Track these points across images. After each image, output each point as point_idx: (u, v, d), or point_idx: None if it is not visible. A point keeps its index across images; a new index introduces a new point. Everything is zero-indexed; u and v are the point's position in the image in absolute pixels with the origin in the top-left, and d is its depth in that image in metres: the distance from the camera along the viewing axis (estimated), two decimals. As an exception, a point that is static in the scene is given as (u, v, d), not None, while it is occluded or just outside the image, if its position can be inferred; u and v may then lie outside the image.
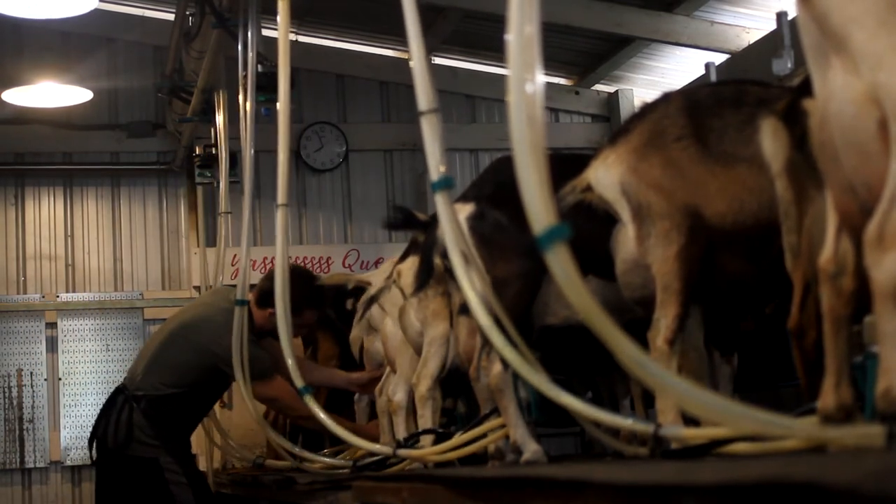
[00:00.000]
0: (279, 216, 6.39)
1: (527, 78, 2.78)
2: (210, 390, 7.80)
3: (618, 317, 2.76)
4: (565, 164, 4.67)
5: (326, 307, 8.56)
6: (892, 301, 2.41)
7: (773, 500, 1.93)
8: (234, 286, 7.56)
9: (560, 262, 2.66)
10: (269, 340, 7.36)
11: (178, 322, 7.93)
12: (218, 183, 9.35)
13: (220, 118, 9.09)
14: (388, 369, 6.87)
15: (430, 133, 3.95)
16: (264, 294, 7.29)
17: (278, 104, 6.44)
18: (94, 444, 7.63)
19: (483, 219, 5.09)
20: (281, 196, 6.38)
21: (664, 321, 4.28)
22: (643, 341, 4.14)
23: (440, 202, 3.86)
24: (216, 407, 8.51)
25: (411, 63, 4.03)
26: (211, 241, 10.15)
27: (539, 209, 2.72)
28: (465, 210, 5.08)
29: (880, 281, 2.43)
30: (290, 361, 6.29)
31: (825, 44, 2.64)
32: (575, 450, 6.83)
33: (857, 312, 2.86)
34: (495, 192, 5.08)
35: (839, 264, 2.81)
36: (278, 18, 6.21)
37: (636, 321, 4.41)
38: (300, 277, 7.26)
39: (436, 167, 3.89)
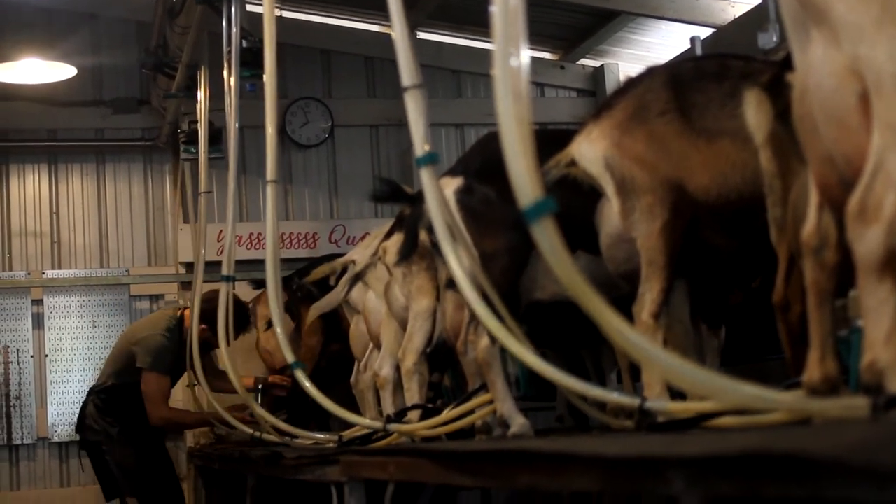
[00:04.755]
0: (269, 192, 6.42)
1: (511, 51, 2.79)
2: None
3: (606, 293, 2.77)
4: (550, 140, 4.67)
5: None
6: (875, 275, 2.41)
7: (759, 471, 1.94)
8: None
9: (546, 235, 2.66)
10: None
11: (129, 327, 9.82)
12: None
13: (201, 95, 9.07)
14: (371, 345, 6.89)
15: (415, 109, 3.95)
16: (203, 313, 8.27)
17: (265, 78, 6.44)
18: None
19: (471, 193, 5.09)
20: (270, 172, 6.41)
21: (649, 295, 4.29)
22: (630, 318, 4.15)
23: (426, 177, 3.86)
24: (203, 385, 8.55)
25: (394, 38, 4.03)
26: (197, 217, 10.10)
27: (525, 183, 2.73)
28: (452, 184, 5.09)
29: (863, 254, 2.43)
30: (279, 334, 6.47)
31: (805, 16, 2.64)
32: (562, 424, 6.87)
33: (842, 286, 2.87)
34: (483, 166, 5.08)
35: (822, 238, 2.82)
36: (263, -6, 6.21)
37: (624, 298, 4.42)
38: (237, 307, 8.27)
39: (421, 143, 3.89)
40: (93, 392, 9.22)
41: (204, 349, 8.65)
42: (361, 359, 7.31)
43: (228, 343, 7.51)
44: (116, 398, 9.04)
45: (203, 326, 8.22)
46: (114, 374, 9.12)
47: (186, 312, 8.74)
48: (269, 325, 7.98)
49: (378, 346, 6.54)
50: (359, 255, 7.04)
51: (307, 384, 6.12)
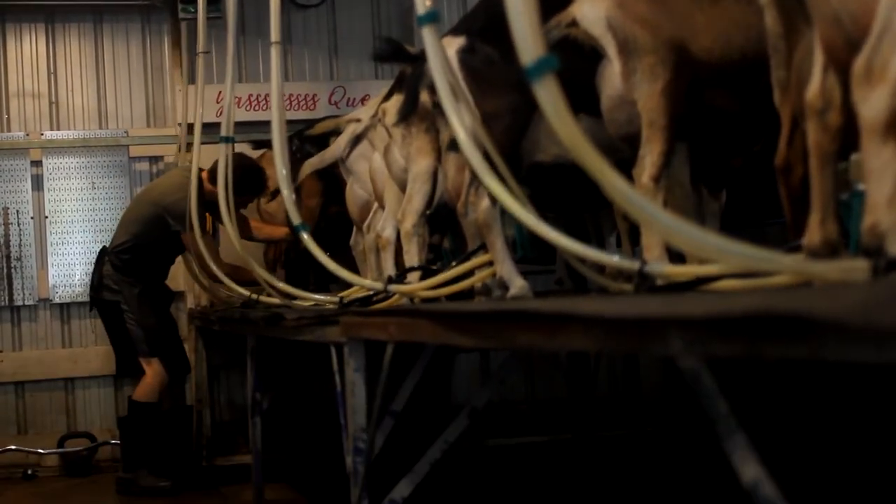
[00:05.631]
0: (273, 55, 6.40)
1: None
2: (169, 242, 9.19)
3: (607, 157, 2.75)
4: (552, 0, 4.61)
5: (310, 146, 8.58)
6: (880, 137, 2.40)
7: (759, 332, 1.95)
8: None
9: (548, 92, 2.65)
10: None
11: (146, 186, 9.95)
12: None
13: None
14: (375, 205, 6.89)
15: (417, -34, 3.91)
16: (212, 172, 8.35)
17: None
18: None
19: (473, 53, 5.04)
20: (274, 33, 6.38)
21: (649, 157, 4.27)
22: (631, 182, 4.13)
23: (427, 36, 3.83)
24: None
25: None
26: (195, 78, 10.04)
27: (528, 40, 2.70)
28: (455, 44, 5.03)
29: (868, 117, 2.42)
30: (286, 195, 6.54)
31: None
32: (561, 287, 6.88)
33: (844, 149, 2.86)
34: (486, 26, 5.02)
35: (826, 100, 2.80)
36: None
37: (624, 163, 4.40)
38: (242, 169, 8.25)
39: (422, 1, 3.85)
40: (109, 252, 9.30)
41: (212, 210, 8.74)
42: (358, 221, 7.32)
43: (229, 203, 7.50)
44: (137, 258, 9.15)
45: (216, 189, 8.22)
46: (135, 235, 9.18)
47: (204, 174, 8.75)
48: (275, 193, 8.03)
49: (383, 206, 6.53)
50: (364, 114, 7.01)
51: (312, 246, 6.14)
